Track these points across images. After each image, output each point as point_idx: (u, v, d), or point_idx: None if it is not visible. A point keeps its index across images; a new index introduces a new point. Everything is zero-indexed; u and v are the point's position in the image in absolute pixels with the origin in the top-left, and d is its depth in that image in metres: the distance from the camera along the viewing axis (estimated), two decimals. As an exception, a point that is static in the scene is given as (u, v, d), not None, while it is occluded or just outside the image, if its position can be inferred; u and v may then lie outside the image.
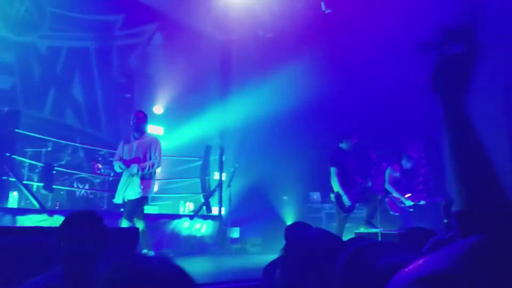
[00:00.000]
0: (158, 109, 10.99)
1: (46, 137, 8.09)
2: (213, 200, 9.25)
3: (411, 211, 7.34)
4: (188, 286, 0.91)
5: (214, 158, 9.56)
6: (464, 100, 1.04)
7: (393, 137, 8.40)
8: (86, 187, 8.32)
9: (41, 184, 7.55)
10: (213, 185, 9.29)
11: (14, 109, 7.81)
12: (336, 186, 6.75)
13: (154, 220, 7.74)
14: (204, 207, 8.93)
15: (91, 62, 10.37)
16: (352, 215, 6.98)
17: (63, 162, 8.27)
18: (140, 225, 5.77)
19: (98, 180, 8.59)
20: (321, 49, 9.89)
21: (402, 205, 7.40)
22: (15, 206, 7.05)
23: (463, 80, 1.05)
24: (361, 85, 9.35)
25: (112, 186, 8.02)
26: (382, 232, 6.32)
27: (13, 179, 7.01)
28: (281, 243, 1.70)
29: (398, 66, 8.07)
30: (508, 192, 0.97)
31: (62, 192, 8.06)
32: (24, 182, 7.26)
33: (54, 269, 2.10)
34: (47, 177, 7.58)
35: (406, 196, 7.34)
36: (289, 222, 7.76)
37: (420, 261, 0.76)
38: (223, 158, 9.59)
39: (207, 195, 9.07)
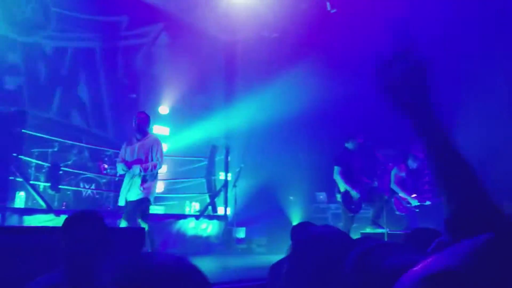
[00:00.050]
0: (163, 109, 11.00)
1: (53, 138, 8.12)
2: (219, 200, 9.26)
3: (417, 211, 7.31)
4: (203, 285, 0.91)
5: (219, 158, 9.58)
6: (433, 112, 1.06)
7: (399, 137, 8.36)
8: (92, 187, 8.35)
9: (47, 184, 7.59)
10: (218, 185, 9.30)
11: (21, 109, 7.85)
12: (341, 185, 6.74)
13: (160, 220, 7.76)
14: (209, 207, 8.94)
15: (97, 63, 10.40)
16: (359, 216, 6.97)
17: (69, 162, 8.30)
18: (143, 226, 5.75)
19: (104, 180, 8.62)
20: (327, 49, 9.87)
21: (408, 205, 7.37)
22: (22, 206, 7.09)
23: (423, 94, 1.08)
24: (367, 85, 9.31)
25: (118, 186, 8.03)
26: (389, 232, 6.30)
27: (20, 179, 7.04)
28: (287, 243, 1.69)
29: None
30: (492, 195, 0.98)
31: (68, 192, 8.09)
32: (31, 182, 7.29)
33: (57, 269, 2.10)
34: (54, 177, 7.61)
35: (412, 196, 7.31)
36: (295, 222, 7.74)
37: (428, 260, 0.76)
38: (229, 158, 9.60)
39: (213, 195, 9.08)
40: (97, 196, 8.43)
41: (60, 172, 7.77)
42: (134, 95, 10.88)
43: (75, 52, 10.03)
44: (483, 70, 7.65)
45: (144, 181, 5.87)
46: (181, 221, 8.23)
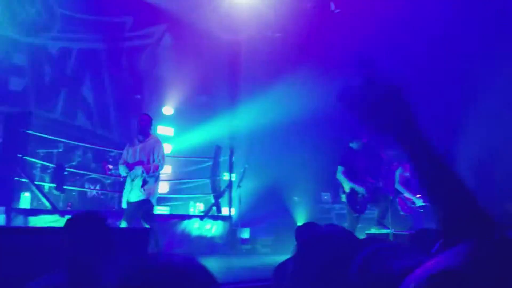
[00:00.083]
0: (168, 110, 11.02)
1: (58, 138, 8.15)
2: (223, 201, 9.25)
3: (422, 211, 7.28)
4: (212, 284, 0.91)
5: (224, 158, 9.57)
6: (413, 130, 1.07)
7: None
8: (97, 187, 8.38)
9: (53, 185, 7.61)
10: (223, 186, 9.30)
11: (26, 110, 7.88)
12: (346, 185, 6.72)
13: (164, 220, 7.76)
14: (214, 208, 8.94)
15: (101, 64, 10.43)
16: (363, 216, 6.94)
17: (74, 163, 8.33)
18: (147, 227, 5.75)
19: (109, 181, 8.65)
20: (331, 49, 9.84)
21: (413, 205, 7.34)
22: (27, 207, 7.11)
23: (399, 114, 1.09)
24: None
25: (123, 187, 8.06)
26: (394, 232, 6.28)
27: (25, 180, 7.06)
28: (291, 243, 1.69)
29: (409, 66, 8.04)
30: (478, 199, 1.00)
31: (73, 193, 8.12)
32: (36, 182, 7.31)
33: (59, 269, 2.11)
34: (59, 178, 7.63)
35: (417, 196, 7.28)
36: (299, 223, 7.74)
37: (433, 260, 0.77)
38: (233, 158, 9.59)
39: (217, 195, 9.08)
40: (102, 197, 8.46)
41: (65, 172, 7.79)
42: (139, 96, 10.91)
43: (80, 53, 10.07)
44: (483, 70, 7.62)
45: (145, 182, 5.88)
46: (186, 222, 8.23)
